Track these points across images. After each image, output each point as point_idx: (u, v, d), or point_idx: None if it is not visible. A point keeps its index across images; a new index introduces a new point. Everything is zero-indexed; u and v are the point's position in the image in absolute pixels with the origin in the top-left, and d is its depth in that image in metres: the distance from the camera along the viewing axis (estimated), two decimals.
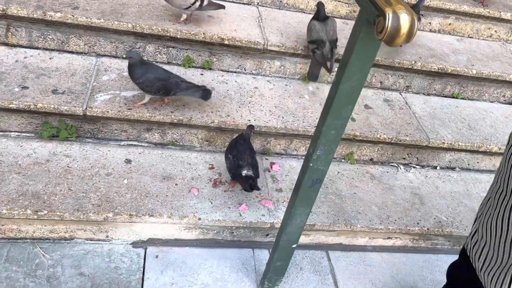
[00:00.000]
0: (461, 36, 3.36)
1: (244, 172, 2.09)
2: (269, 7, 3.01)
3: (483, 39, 3.39)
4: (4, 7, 2.28)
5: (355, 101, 1.38)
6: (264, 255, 2.21)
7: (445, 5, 3.14)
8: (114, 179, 2.13)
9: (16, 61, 2.34)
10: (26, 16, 2.30)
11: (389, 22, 1.06)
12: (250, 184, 2.08)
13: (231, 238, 2.22)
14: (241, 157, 2.11)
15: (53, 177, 2.05)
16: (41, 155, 2.14)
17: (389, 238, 2.40)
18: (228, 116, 2.38)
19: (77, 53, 2.50)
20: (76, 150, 2.22)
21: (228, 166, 2.16)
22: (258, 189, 2.13)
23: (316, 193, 1.65)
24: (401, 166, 2.72)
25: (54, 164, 2.12)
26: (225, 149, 2.23)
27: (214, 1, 2.57)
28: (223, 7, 2.57)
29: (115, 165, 2.20)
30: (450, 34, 3.34)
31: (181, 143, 2.43)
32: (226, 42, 2.57)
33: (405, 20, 1.06)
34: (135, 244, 2.11)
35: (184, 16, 2.55)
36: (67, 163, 2.14)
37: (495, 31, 3.38)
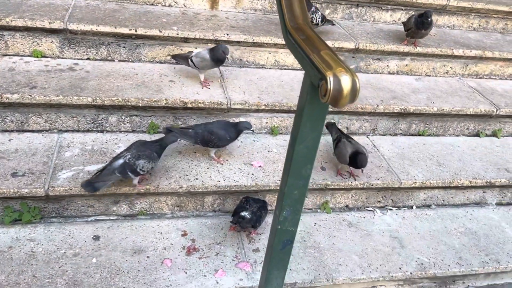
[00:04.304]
0: (419, 75, 3.47)
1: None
2: (230, 66, 3.06)
3: (440, 76, 3.51)
4: None
5: (313, 160, 1.37)
6: None
7: (399, 48, 3.26)
8: (82, 259, 2.03)
9: None
10: None
11: (331, 85, 1.07)
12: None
13: None
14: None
15: (16, 265, 1.95)
16: (3, 242, 2.04)
17: (373, 287, 2.34)
18: (196, 179, 2.34)
19: (38, 131, 2.46)
20: (40, 232, 2.13)
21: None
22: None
23: (289, 254, 1.60)
24: (377, 210, 2.70)
25: (17, 251, 2.02)
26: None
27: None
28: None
29: (83, 243, 2.12)
30: (408, 74, 3.45)
31: (151, 212, 2.37)
32: (189, 105, 2.58)
33: (346, 82, 1.07)
34: None
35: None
36: (31, 248, 2.04)
37: (451, 67, 3.51)
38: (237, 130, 2.43)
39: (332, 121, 2.90)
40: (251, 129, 2.46)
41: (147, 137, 2.58)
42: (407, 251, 2.42)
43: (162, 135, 2.37)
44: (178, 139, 2.29)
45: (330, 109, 2.84)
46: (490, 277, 2.52)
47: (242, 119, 2.75)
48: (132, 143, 2.24)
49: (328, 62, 1.12)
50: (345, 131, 2.99)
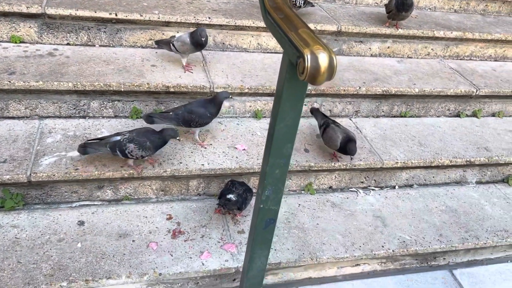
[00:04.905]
0: (401, 57, 3.49)
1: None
2: (212, 50, 3.05)
3: (422, 58, 3.54)
4: None
5: (294, 139, 1.39)
6: None
7: (381, 30, 3.27)
8: (67, 244, 2.04)
9: None
10: None
11: (308, 62, 1.08)
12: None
13: None
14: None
15: (0, 251, 1.94)
16: None
17: (357, 265, 2.39)
18: (180, 163, 2.35)
19: (19, 117, 2.43)
20: (24, 219, 2.12)
21: None
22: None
23: (272, 233, 1.62)
24: (361, 190, 2.74)
25: (1, 237, 2.01)
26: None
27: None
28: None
29: (67, 229, 2.12)
30: (390, 56, 3.47)
31: (135, 197, 2.37)
32: (172, 90, 2.57)
33: (323, 59, 1.09)
34: None
35: None
36: (14, 234, 2.03)
37: (432, 49, 3.54)
38: (216, 103, 2.42)
39: (316, 105, 2.91)
40: (230, 96, 2.45)
41: (129, 122, 2.57)
42: (389, 230, 2.47)
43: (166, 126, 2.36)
44: (178, 138, 2.26)
45: (313, 92, 2.87)
46: (470, 253, 2.59)
47: (225, 102, 2.74)
48: (140, 127, 2.29)
49: (305, 39, 1.13)
50: (328, 113, 3.01)
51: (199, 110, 2.38)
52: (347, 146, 2.44)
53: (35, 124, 2.42)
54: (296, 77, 1.21)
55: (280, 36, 1.25)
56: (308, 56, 1.08)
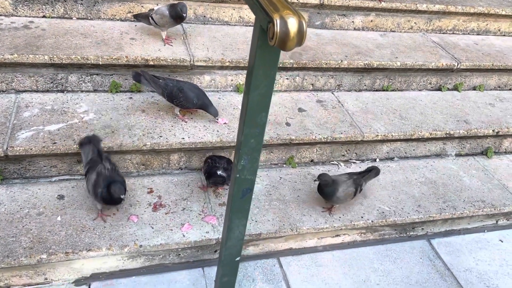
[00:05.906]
0: (384, 31, 3.48)
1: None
2: (193, 23, 3.00)
3: (404, 32, 3.53)
4: None
5: (268, 108, 1.38)
6: (214, 272, 2.17)
7: (363, 3, 3.25)
8: (47, 218, 2.03)
9: None
10: None
11: (277, 27, 1.07)
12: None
13: (178, 260, 2.17)
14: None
15: None
16: None
17: (337, 235, 2.43)
18: (160, 137, 2.34)
19: None
20: (2, 193, 2.11)
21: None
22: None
23: (249, 203, 1.64)
24: (342, 163, 2.77)
25: None
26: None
27: None
28: None
29: (47, 203, 2.11)
30: (373, 30, 3.46)
31: None
32: (151, 63, 2.53)
33: (293, 24, 1.08)
34: (77, 282, 2.02)
35: None
36: None
37: (415, 22, 3.53)
38: (208, 103, 2.43)
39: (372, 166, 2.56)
40: (217, 116, 2.48)
41: (109, 97, 2.54)
42: (369, 201, 2.51)
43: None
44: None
45: (295, 66, 2.85)
46: (448, 223, 2.64)
47: (206, 76, 2.73)
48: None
49: (275, 4, 1.12)
50: (310, 87, 3.01)
51: (188, 94, 2.37)
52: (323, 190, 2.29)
53: (12, 98, 2.38)
54: (267, 44, 1.21)
55: (252, 3, 1.24)
56: (277, 21, 1.07)
